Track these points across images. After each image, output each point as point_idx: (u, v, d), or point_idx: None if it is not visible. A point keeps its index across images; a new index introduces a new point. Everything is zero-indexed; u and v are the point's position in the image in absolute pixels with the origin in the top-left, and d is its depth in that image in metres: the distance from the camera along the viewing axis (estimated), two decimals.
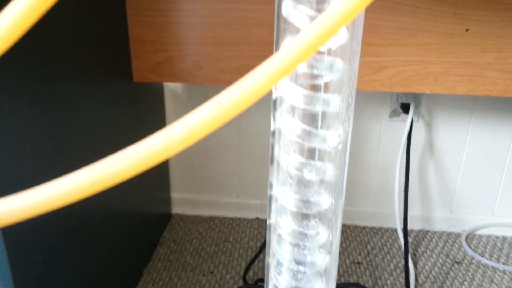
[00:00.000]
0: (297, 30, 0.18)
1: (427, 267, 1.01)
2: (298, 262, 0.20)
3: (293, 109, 0.20)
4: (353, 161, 1.12)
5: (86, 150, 0.69)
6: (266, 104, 1.07)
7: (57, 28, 0.59)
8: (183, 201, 1.19)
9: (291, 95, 0.19)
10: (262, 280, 0.93)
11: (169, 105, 1.09)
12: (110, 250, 0.79)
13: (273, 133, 0.21)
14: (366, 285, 0.95)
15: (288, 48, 0.15)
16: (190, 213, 1.18)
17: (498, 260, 1.03)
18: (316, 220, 0.20)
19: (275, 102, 0.21)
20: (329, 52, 0.19)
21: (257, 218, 1.17)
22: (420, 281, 0.96)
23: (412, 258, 1.03)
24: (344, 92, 0.19)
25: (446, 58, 0.79)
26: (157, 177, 1.08)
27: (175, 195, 1.19)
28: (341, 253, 1.06)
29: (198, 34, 0.81)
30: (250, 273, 0.96)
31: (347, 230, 1.14)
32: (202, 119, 0.15)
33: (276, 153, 0.21)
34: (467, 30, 0.77)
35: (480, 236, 1.12)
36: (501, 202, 1.13)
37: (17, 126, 0.51)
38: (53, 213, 0.63)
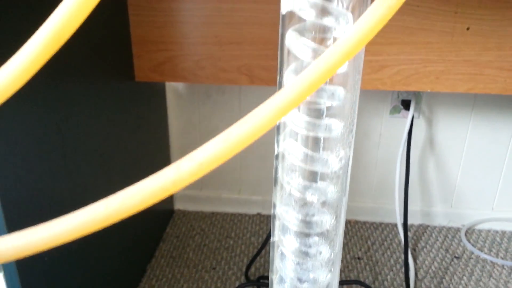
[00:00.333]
0: (299, 61, 0.18)
1: (426, 262, 1.02)
2: (300, 280, 0.21)
3: (296, 133, 0.20)
4: (355, 157, 1.12)
5: (89, 149, 0.69)
6: None
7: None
8: (185, 197, 1.20)
9: (294, 121, 0.20)
10: (264, 277, 0.95)
11: (171, 103, 1.09)
12: (114, 247, 0.81)
13: (277, 156, 0.22)
14: (367, 280, 0.96)
15: (291, 86, 0.16)
16: (192, 209, 1.19)
17: (497, 255, 1.04)
18: (318, 239, 0.21)
19: (278, 126, 0.22)
20: (331, 80, 0.19)
21: (259, 214, 1.19)
22: (420, 276, 0.98)
23: (412, 253, 1.05)
24: (345, 118, 0.20)
25: (447, 56, 0.79)
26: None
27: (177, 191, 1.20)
28: (341, 249, 1.07)
29: (200, 33, 0.82)
30: (252, 269, 0.98)
31: (348, 225, 1.15)
32: (209, 155, 0.16)
33: (279, 175, 0.22)
34: (468, 28, 0.78)
35: (480, 231, 1.13)
36: (500, 197, 1.14)
37: (20, 125, 0.52)
38: (53, 211, 0.64)
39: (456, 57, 0.79)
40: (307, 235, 0.21)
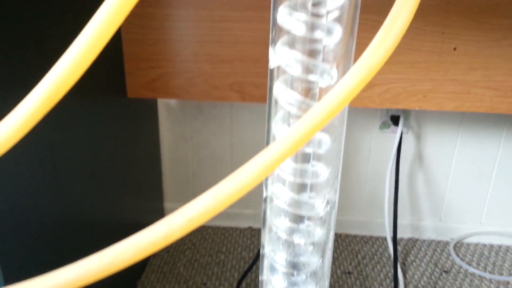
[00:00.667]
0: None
1: (416, 276, 1.03)
2: None
3: (283, 178, 0.21)
4: (345, 172, 1.14)
5: (81, 164, 0.70)
6: (259, 115, 1.09)
7: (53, 45, 0.60)
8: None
9: (281, 167, 0.21)
10: None
11: (163, 117, 1.10)
12: None
13: (265, 199, 0.22)
14: None
15: (277, 144, 0.17)
16: None
17: (485, 269, 1.06)
18: (306, 278, 0.22)
19: None
20: None
21: (250, 228, 1.19)
22: None
23: (401, 268, 1.06)
24: (332, 164, 0.21)
25: (434, 76, 0.81)
26: (150, 187, 1.09)
27: (168, 205, 1.20)
28: (332, 263, 1.08)
29: (192, 51, 0.82)
30: (243, 285, 0.98)
31: (338, 239, 1.15)
32: (199, 210, 0.17)
33: (268, 217, 0.22)
34: (455, 49, 0.79)
35: (468, 244, 1.14)
36: (488, 211, 1.16)
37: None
38: (46, 226, 0.63)
39: (443, 76, 0.81)
40: (294, 275, 0.22)
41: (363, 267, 1.05)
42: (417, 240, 1.16)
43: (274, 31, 0.19)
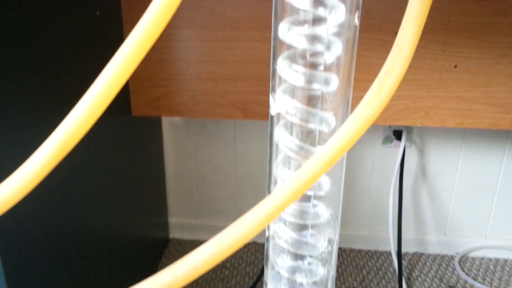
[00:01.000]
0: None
1: None
2: None
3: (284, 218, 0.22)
4: (348, 186, 1.14)
5: (86, 180, 0.70)
6: (262, 130, 1.09)
7: (57, 64, 0.61)
8: (181, 225, 1.20)
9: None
10: None
11: (167, 133, 1.11)
12: (108, 277, 0.81)
13: (268, 238, 0.23)
14: None
15: (276, 194, 0.17)
16: (187, 238, 1.20)
17: (491, 284, 1.05)
18: None
19: None
20: None
21: (254, 242, 1.19)
22: None
23: (406, 283, 1.05)
24: (332, 206, 0.21)
25: (435, 93, 0.82)
26: (154, 202, 1.10)
27: (172, 220, 1.20)
28: (337, 279, 1.08)
29: (195, 70, 0.84)
30: None
31: (343, 254, 1.15)
32: (203, 259, 0.17)
33: (270, 256, 0.23)
34: (455, 66, 0.80)
35: (473, 259, 1.14)
36: (492, 225, 1.15)
37: (15, 158, 0.53)
38: (51, 241, 0.64)
39: (444, 94, 0.82)
40: None
41: (368, 282, 1.05)
42: (422, 254, 1.16)
43: (274, 79, 0.20)
